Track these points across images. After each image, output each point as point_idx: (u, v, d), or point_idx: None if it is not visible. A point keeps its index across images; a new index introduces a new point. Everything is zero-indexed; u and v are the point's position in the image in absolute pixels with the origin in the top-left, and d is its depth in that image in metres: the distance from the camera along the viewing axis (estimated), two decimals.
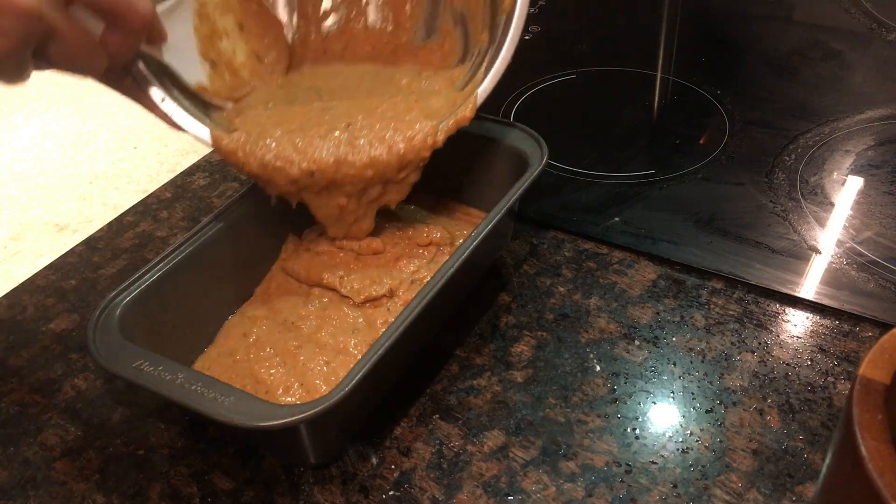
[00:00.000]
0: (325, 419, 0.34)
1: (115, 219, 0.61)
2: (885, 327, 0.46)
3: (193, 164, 0.67)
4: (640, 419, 0.43)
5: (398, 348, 0.37)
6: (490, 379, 0.45)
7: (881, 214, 0.55)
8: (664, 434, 0.42)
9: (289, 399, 0.42)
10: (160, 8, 0.44)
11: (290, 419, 0.34)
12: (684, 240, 0.54)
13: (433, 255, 0.50)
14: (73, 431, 0.44)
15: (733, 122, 0.66)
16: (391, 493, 0.40)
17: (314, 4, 0.55)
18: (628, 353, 0.46)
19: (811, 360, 0.45)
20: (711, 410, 0.43)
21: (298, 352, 0.44)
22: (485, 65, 0.48)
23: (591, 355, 0.46)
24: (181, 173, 0.66)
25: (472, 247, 0.42)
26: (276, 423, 0.34)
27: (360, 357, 0.37)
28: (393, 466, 0.41)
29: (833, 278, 0.50)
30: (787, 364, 0.45)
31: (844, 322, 0.47)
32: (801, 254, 0.52)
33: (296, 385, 0.42)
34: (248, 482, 0.41)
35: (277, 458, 0.42)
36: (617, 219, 0.56)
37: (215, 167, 0.66)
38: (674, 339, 0.47)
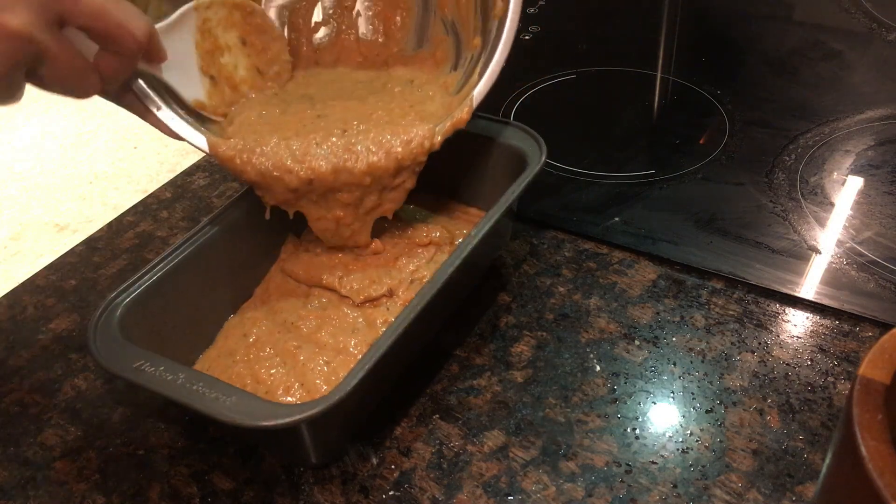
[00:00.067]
0: (326, 419, 0.34)
1: (115, 219, 0.61)
2: (885, 327, 0.46)
3: (193, 164, 0.67)
4: (640, 419, 0.43)
5: (399, 348, 0.37)
6: (490, 379, 0.45)
7: (881, 214, 0.55)
8: (664, 434, 0.42)
9: (289, 399, 0.42)
10: (161, 24, 0.44)
11: (291, 419, 0.34)
12: (684, 240, 0.54)
13: (433, 255, 0.50)
14: (73, 431, 0.45)
15: (733, 122, 0.66)
16: (391, 493, 0.40)
17: (305, 17, 0.55)
18: (628, 353, 0.46)
19: (811, 360, 0.45)
20: (711, 410, 0.43)
21: (298, 352, 0.44)
22: (479, 68, 0.48)
23: (591, 355, 0.46)
24: (181, 173, 0.66)
25: (471, 246, 0.42)
26: (277, 422, 0.34)
27: (360, 357, 0.37)
28: (393, 466, 0.41)
29: (833, 278, 0.50)
30: (787, 364, 0.45)
31: (844, 322, 0.47)
32: (801, 254, 0.52)
33: (296, 385, 0.42)
34: (248, 482, 0.41)
35: (278, 458, 0.42)
36: (617, 219, 0.56)
37: (215, 167, 0.66)
38: (674, 339, 0.47)
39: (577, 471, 0.40)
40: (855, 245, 0.52)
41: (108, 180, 1.65)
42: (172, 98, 0.46)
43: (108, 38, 0.36)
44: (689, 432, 0.42)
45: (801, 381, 0.44)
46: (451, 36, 0.53)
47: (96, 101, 0.40)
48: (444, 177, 0.52)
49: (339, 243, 0.48)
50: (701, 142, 0.64)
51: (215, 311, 0.48)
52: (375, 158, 0.45)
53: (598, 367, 0.46)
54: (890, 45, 0.77)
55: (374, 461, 0.41)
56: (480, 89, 0.47)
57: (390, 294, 0.47)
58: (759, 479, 0.39)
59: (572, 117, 0.70)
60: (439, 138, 0.46)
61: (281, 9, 0.55)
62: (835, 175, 0.59)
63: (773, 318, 0.48)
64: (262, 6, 0.55)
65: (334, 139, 0.45)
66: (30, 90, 0.37)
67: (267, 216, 0.47)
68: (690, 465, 0.40)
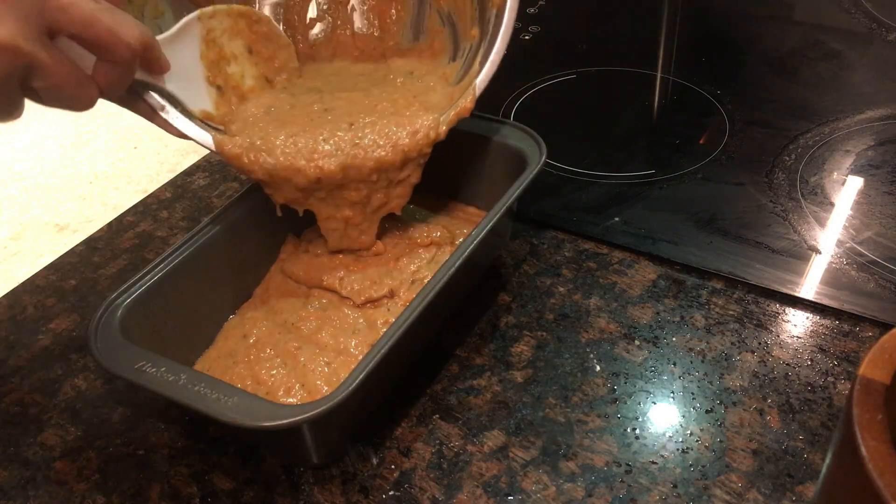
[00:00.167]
0: (327, 419, 0.34)
1: (115, 219, 0.61)
2: (885, 327, 0.46)
3: (193, 164, 0.67)
4: (640, 419, 0.43)
5: (400, 348, 0.37)
6: (490, 379, 0.45)
7: (881, 214, 0.55)
8: (664, 434, 0.42)
9: (290, 400, 0.42)
10: (163, 35, 0.43)
11: (293, 419, 0.34)
12: (684, 240, 0.54)
13: (433, 255, 0.50)
14: (73, 431, 0.45)
15: (733, 122, 0.66)
16: (391, 493, 0.40)
17: (300, 14, 0.55)
18: (628, 353, 0.46)
19: (811, 360, 0.45)
20: (711, 410, 0.43)
21: (299, 353, 0.44)
22: (479, 58, 0.48)
23: (591, 355, 0.46)
24: (181, 173, 0.66)
25: (472, 246, 0.42)
26: (279, 423, 0.34)
27: (361, 358, 0.37)
28: (393, 466, 0.41)
29: (833, 278, 0.50)
30: (787, 364, 0.45)
31: (844, 322, 0.47)
32: (801, 254, 0.52)
33: (297, 386, 0.42)
34: (248, 482, 0.41)
35: (278, 459, 0.42)
36: (617, 219, 0.56)
37: (215, 167, 0.66)
38: (674, 339, 0.47)
39: (577, 471, 0.40)
40: (855, 245, 0.52)
41: (108, 180, 1.65)
42: (178, 108, 0.45)
43: (100, 46, 0.35)
44: (689, 432, 0.42)
45: (801, 381, 0.44)
46: (448, 27, 0.53)
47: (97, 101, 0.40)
48: (444, 177, 0.52)
49: (346, 245, 0.48)
50: (701, 142, 0.64)
51: (215, 312, 0.48)
52: (383, 153, 0.45)
53: (598, 367, 0.46)
54: (890, 45, 0.77)
55: (374, 461, 0.41)
56: (483, 78, 0.47)
57: (391, 295, 0.47)
58: (759, 479, 0.39)
59: (572, 117, 0.70)
60: (444, 128, 0.46)
61: (276, 6, 0.55)
62: (835, 175, 0.59)
63: (773, 318, 0.48)
64: (257, 4, 0.54)
65: (341, 133, 0.45)
66: None
67: (278, 213, 0.47)
68: (690, 465, 0.40)
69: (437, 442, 0.42)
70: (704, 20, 0.86)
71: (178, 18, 0.49)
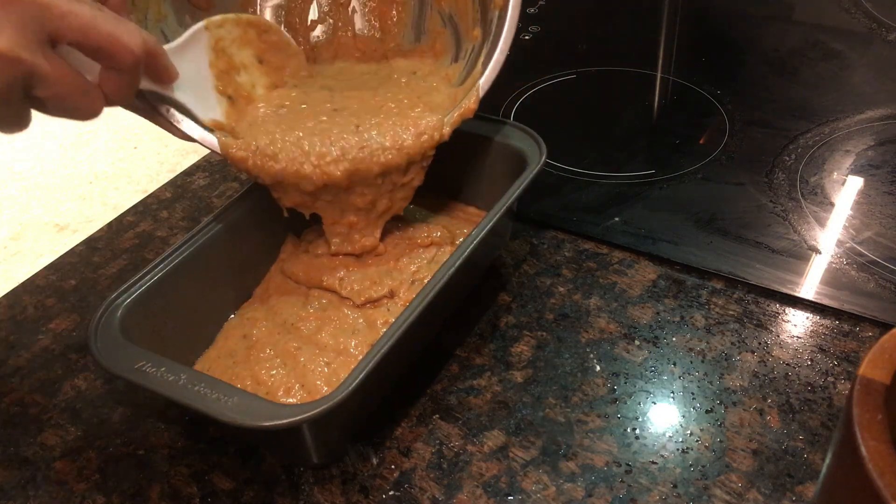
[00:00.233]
0: (327, 419, 0.34)
1: (115, 219, 0.61)
2: (885, 327, 0.46)
3: (193, 164, 0.67)
4: (640, 419, 0.43)
5: (400, 348, 0.37)
6: (490, 379, 0.45)
7: (881, 214, 0.55)
8: (664, 434, 0.42)
9: (290, 400, 0.42)
10: (171, 44, 0.43)
11: (293, 419, 0.34)
12: (684, 240, 0.54)
13: (433, 255, 0.50)
14: (73, 431, 0.45)
15: (733, 122, 0.66)
16: (391, 493, 0.40)
17: (301, 16, 0.55)
18: (628, 353, 0.46)
19: (811, 360, 0.45)
20: (711, 410, 0.43)
21: (299, 353, 0.44)
22: (482, 59, 0.48)
23: (591, 355, 0.46)
24: (181, 173, 0.66)
25: (472, 246, 0.42)
26: (279, 422, 0.34)
27: (361, 358, 0.37)
28: (393, 466, 0.41)
29: (833, 278, 0.50)
30: (787, 364, 0.45)
31: (844, 322, 0.47)
32: (801, 254, 0.52)
33: (297, 386, 0.42)
34: (248, 482, 0.41)
35: (278, 459, 0.42)
36: (617, 219, 0.56)
37: (215, 167, 0.66)
38: (674, 339, 0.47)
39: (577, 471, 0.40)
40: (855, 245, 0.52)
41: (108, 180, 1.64)
42: (188, 117, 0.45)
43: (102, 53, 0.35)
44: (689, 432, 0.42)
45: (801, 381, 0.44)
46: (450, 28, 0.53)
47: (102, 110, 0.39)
48: (444, 177, 0.52)
49: (348, 249, 0.48)
50: (701, 142, 0.64)
51: (215, 312, 0.48)
52: (389, 156, 0.45)
53: (598, 367, 0.46)
54: (890, 45, 0.77)
55: (374, 461, 0.41)
56: (486, 78, 0.47)
57: (391, 295, 0.47)
58: (759, 479, 0.39)
59: (572, 117, 0.70)
60: (448, 129, 0.46)
61: (277, 8, 0.55)
62: (835, 175, 0.59)
63: (773, 318, 0.48)
64: (258, 6, 0.54)
65: (347, 135, 0.45)
66: None
67: (285, 214, 0.47)
68: (690, 465, 0.40)
69: (437, 442, 0.42)
70: (704, 20, 0.86)
71: (180, 22, 0.49)
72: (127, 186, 1.62)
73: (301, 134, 0.45)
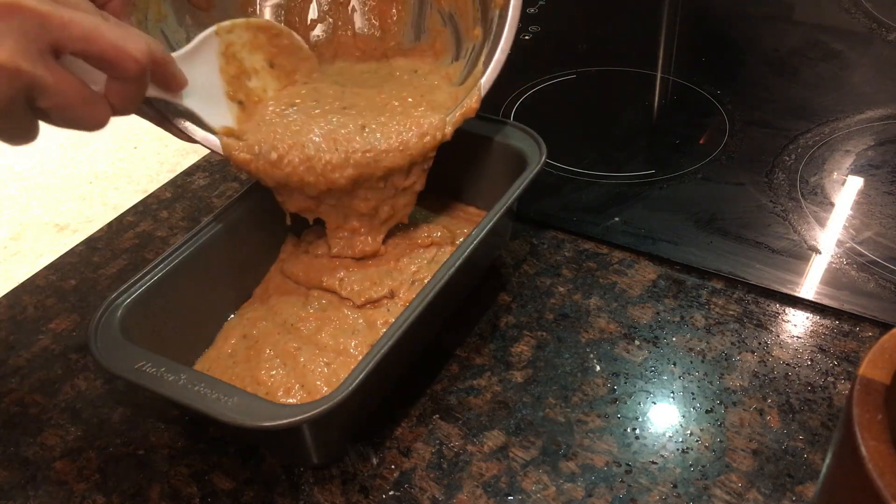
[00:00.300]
0: (327, 419, 0.34)
1: (115, 219, 0.61)
2: (885, 327, 0.46)
3: (193, 164, 0.67)
4: (640, 419, 0.43)
5: (400, 349, 0.37)
6: (490, 379, 0.45)
7: (881, 214, 0.55)
8: (664, 434, 0.42)
9: (290, 401, 0.42)
10: (180, 52, 0.42)
11: (293, 419, 0.34)
12: (684, 240, 0.54)
13: (433, 255, 0.50)
14: (73, 431, 0.44)
15: (733, 122, 0.66)
16: (391, 493, 0.40)
17: (301, 15, 0.55)
18: (628, 353, 0.46)
19: (811, 360, 0.45)
20: (711, 410, 0.43)
21: (298, 353, 0.44)
22: (483, 58, 0.48)
23: (591, 355, 0.46)
24: (181, 173, 0.66)
25: (472, 246, 0.42)
26: (279, 423, 0.34)
27: (360, 358, 0.37)
28: (393, 466, 0.41)
29: (833, 278, 0.50)
30: (787, 364, 0.45)
31: (844, 322, 0.47)
32: (801, 254, 0.52)
33: (297, 387, 0.42)
34: (248, 482, 0.41)
35: (278, 459, 0.42)
36: (617, 219, 0.56)
37: (215, 167, 0.66)
38: (674, 339, 0.47)
39: (577, 471, 0.40)
40: (855, 245, 0.52)
41: (108, 180, 1.64)
42: (199, 126, 0.45)
43: (106, 61, 0.34)
44: (689, 432, 0.42)
45: (801, 381, 0.44)
46: (450, 27, 0.53)
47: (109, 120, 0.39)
48: (444, 177, 0.52)
49: (349, 254, 0.48)
50: (701, 142, 0.64)
51: (215, 312, 0.48)
52: (392, 157, 0.45)
53: (598, 367, 0.46)
54: (890, 45, 0.77)
55: (374, 461, 0.41)
56: (487, 77, 0.47)
57: (391, 295, 0.47)
58: (759, 479, 0.39)
59: (572, 117, 0.70)
60: (450, 129, 0.46)
61: (276, 8, 0.55)
62: (835, 175, 0.59)
63: (773, 318, 0.48)
64: (258, 6, 0.54)
65: (352, 138, 0.45)
66: None
67: (288, 221, 0.47)
68: (690, 465, 0.40)
69: (437, 442, 0.42)
70: (704, 20, 0.86)
71: (180, 22, 0.49)
72: (127, 186, 1.62)
73: (306, 138, 0.45)
